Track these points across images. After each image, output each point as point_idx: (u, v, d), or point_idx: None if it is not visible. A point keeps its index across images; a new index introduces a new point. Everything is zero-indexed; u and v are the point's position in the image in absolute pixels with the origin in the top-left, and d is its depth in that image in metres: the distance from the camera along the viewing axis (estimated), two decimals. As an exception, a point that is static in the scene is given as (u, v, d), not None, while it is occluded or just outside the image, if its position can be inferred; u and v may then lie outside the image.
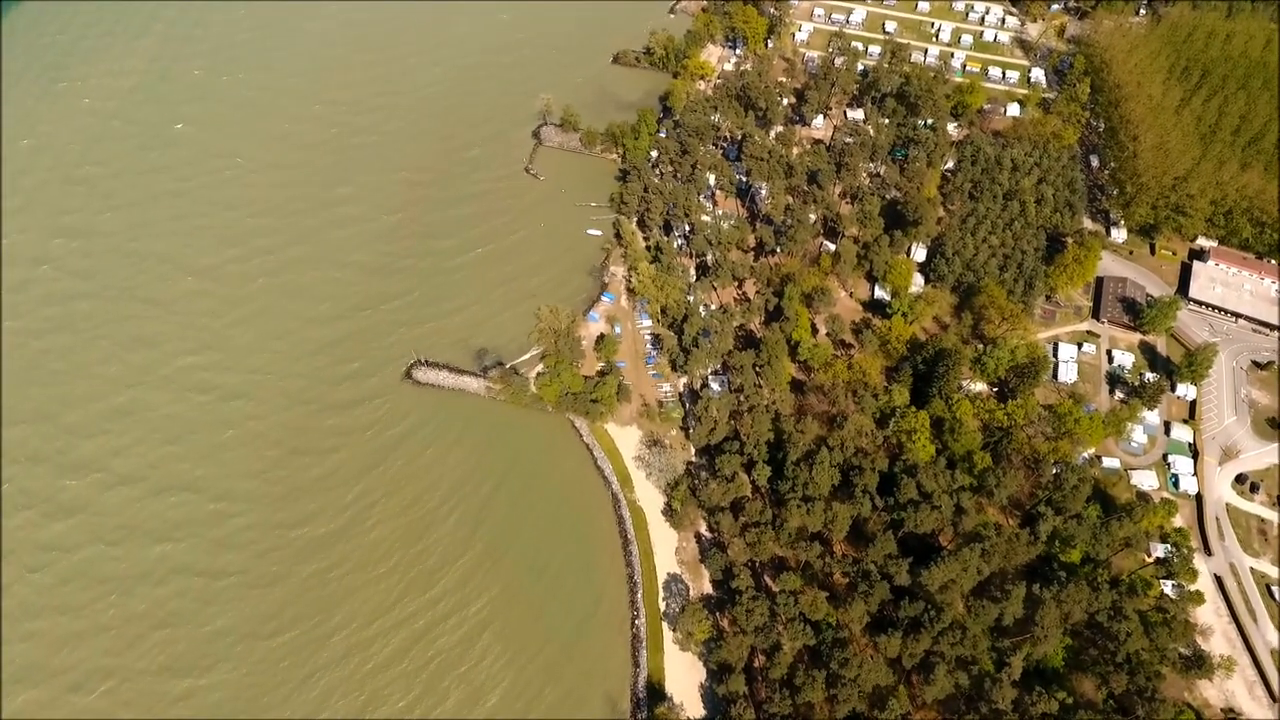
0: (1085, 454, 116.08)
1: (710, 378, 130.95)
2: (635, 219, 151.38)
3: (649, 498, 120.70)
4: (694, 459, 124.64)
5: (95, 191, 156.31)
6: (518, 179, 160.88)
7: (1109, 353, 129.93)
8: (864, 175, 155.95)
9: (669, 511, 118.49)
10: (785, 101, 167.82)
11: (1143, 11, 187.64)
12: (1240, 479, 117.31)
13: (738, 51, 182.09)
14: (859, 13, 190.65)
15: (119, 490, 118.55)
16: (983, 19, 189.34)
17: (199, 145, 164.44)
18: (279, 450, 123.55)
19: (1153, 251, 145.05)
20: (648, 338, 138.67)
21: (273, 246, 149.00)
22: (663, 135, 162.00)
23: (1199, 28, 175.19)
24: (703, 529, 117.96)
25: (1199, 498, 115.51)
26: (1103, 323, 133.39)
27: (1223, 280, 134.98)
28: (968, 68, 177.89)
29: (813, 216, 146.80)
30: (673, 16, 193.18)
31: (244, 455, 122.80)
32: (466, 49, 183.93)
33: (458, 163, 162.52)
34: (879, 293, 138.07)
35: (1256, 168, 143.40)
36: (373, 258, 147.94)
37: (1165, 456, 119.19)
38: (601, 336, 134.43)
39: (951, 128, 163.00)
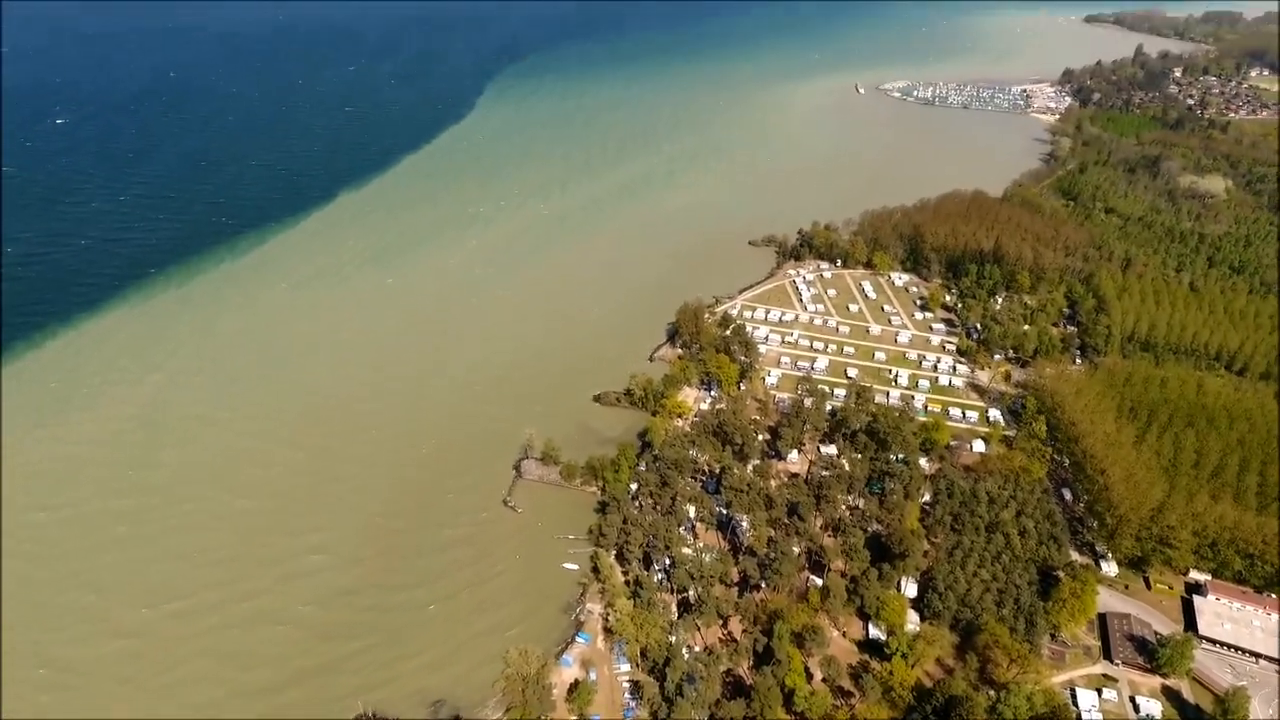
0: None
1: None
2: (614, 552, 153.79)
3: None
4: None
5: (38, 537, 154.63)
6: (495, 511, 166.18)
7: (1133, 699, 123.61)
8: (844, 508, 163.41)
9: None
10: (760, 437, 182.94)
11: (1079, 360, 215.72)
12: None
13: (713, 393, 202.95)
14: (822, 361, 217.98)
15: None
16: (935, 366, 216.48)
17: (167, 491, 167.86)
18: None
19: (1148, 585, 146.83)
20: (626, 685, 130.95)
21: (220, 601, 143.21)
22: (642, 469, 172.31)
23: (1134, 374, 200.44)
24: None
25: None
26: (1116, 664, 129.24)
27: (1229, 616, 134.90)
28: (929, 408, 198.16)
29: (796, 549, 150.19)
30: (651, 363, 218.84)
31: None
32: (454, 389, 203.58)
33: (435, 496, 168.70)
34: (874, 631, 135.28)
35: (1226, 499, 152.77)
36: (330, 612, 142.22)
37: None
38: (575, 683, 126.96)
39: (923, 462, 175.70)
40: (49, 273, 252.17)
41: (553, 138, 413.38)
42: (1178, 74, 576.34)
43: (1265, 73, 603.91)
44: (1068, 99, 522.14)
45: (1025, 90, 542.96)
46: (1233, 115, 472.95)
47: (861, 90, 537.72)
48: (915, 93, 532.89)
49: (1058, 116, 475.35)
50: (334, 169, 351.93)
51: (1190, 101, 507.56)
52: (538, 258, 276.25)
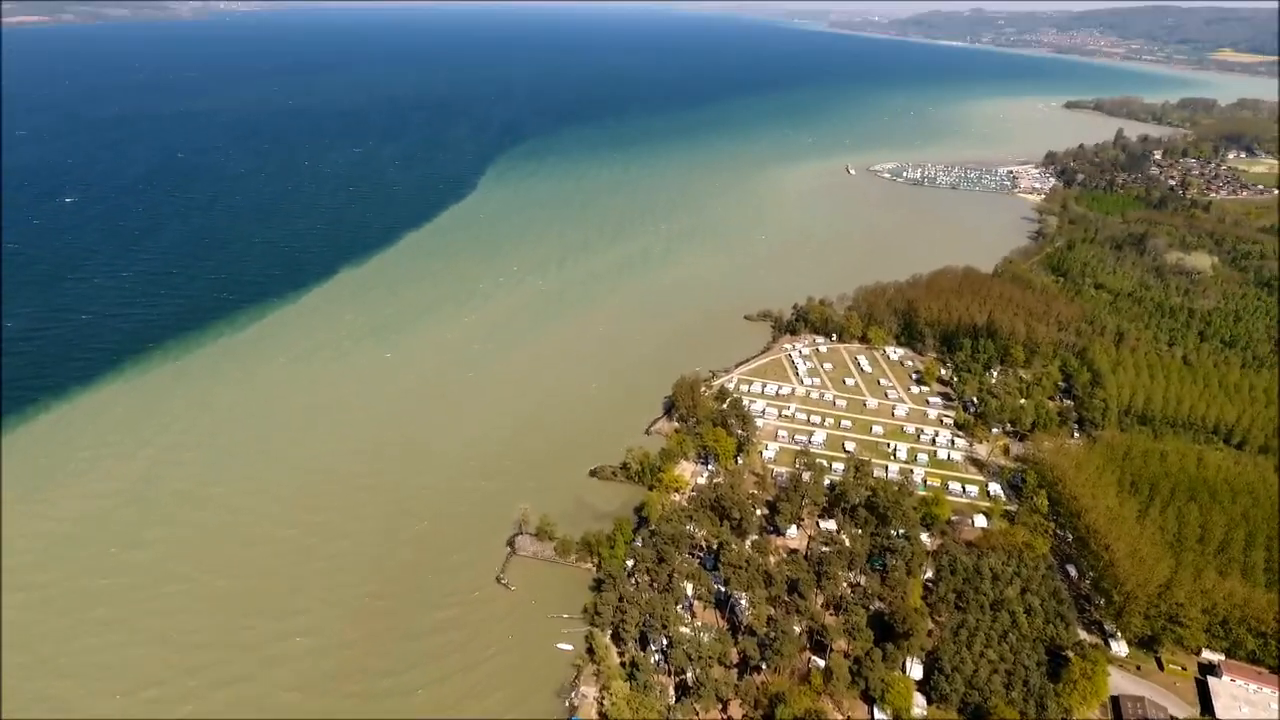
0: None
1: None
2: (610, 631, 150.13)
3: None
4: None
5: (12, 620, 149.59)
6: (488, 590, 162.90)
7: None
8: (845, 585, 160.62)
9: None
10: (759, 512, 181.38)
11: (1077, 434, 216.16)
12: None
13: (710, 467, 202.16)
14: (820, 435, 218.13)
15: None
16: (933, 440, 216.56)
17: (150, 571, 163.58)
18: None
19: (1160, 667, 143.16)
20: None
21: (199, 687, 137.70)
22: (639, 544, 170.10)
23: (1133, 447, 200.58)
24: None
25: None
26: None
27: (1245, 698, 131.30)
28: (929, 482, 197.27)
29: (797, 628, 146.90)
30: (648, 436, 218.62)
31: None
32: (449, 464, 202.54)
33: (428, 575, 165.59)
34: (879, 715, 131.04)
35: (1234, 575, 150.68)
36: (314, 698, 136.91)
37: None
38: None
39: (925, 538, 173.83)
40: (47, 347, 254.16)
41: (552, 217, 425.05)
42: (1158, 156, 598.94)
43: (1242, 155, 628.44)
44: (1052, 180, 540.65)
45: (1011, 171, 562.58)
46: (1213, 195, 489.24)
47: (852, 171, 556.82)
48: (905, 174, 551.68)
49: (1043, 196, 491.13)
50: (336, 246, 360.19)
51: (1172, 182, 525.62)
52: (535, 333, 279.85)
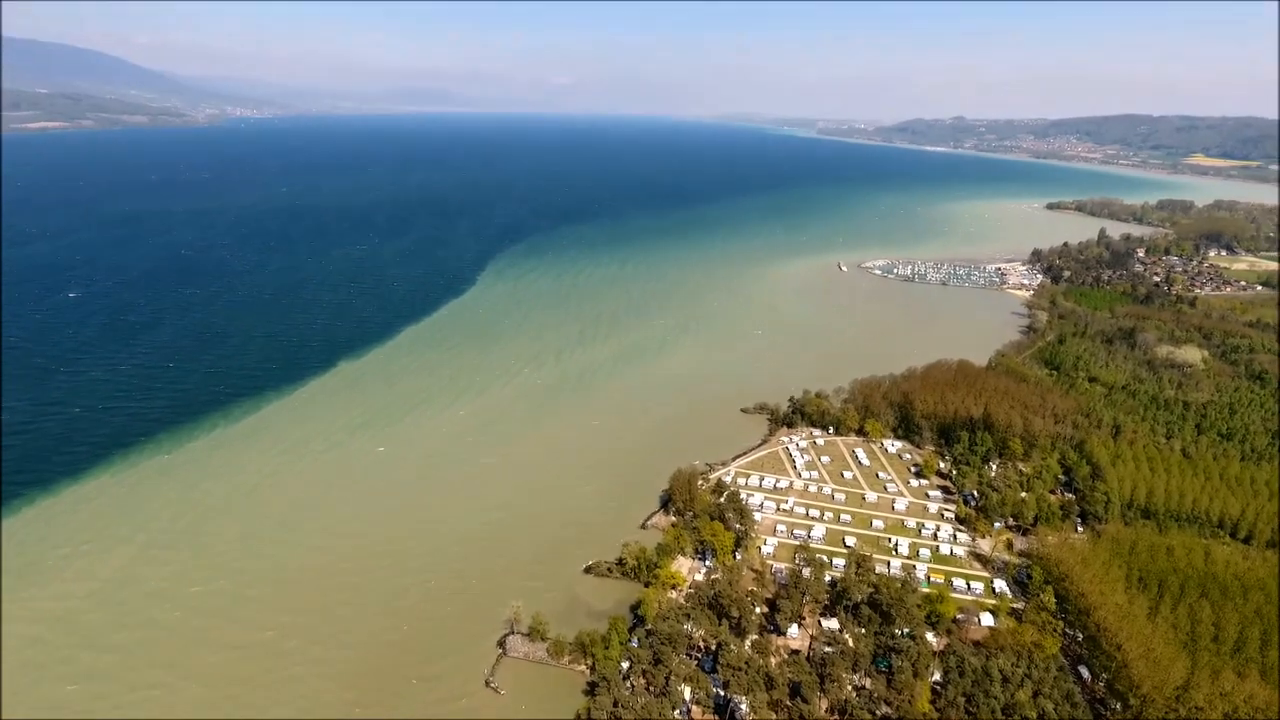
0: None
1: None
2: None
3: None
4: None
5: None
6: (477, 697, 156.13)
7: None
8: (849, 688, 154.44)
9: None
10: (758, 610, 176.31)
11: (1080, 528, 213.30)
12: None
13: (707, 563, 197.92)
14: (819, 529, 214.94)
15: None
16: (935, 534, 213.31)
17: (116, 678, 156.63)
18: None
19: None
20: None
21: None
22: (635, 644, 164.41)
23: (1139, 542, 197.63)
24: None
25: None
26: None
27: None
28: (932, 578, 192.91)
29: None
30: (644, 530, 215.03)
31: None
32: (438, 561, 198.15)
33: (412, 680, 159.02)
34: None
35: (1252, 676, 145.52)
36: None
37: None
38: None
39: (930, 637, 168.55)
40: (34, 441, 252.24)
41: (549, 311, 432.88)
42: (1141, 254, 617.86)
43: (1222, 252, 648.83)
44: (1040, 276, 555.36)
45: (999, 268, 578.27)
46: (1198, 291, 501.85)
47: (845, 268, 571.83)
48: (895, 270, 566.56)
49: (1032, 292, 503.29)
50: (334, 340, 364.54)
51: (1156, 278, 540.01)
52: (530, 425, 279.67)
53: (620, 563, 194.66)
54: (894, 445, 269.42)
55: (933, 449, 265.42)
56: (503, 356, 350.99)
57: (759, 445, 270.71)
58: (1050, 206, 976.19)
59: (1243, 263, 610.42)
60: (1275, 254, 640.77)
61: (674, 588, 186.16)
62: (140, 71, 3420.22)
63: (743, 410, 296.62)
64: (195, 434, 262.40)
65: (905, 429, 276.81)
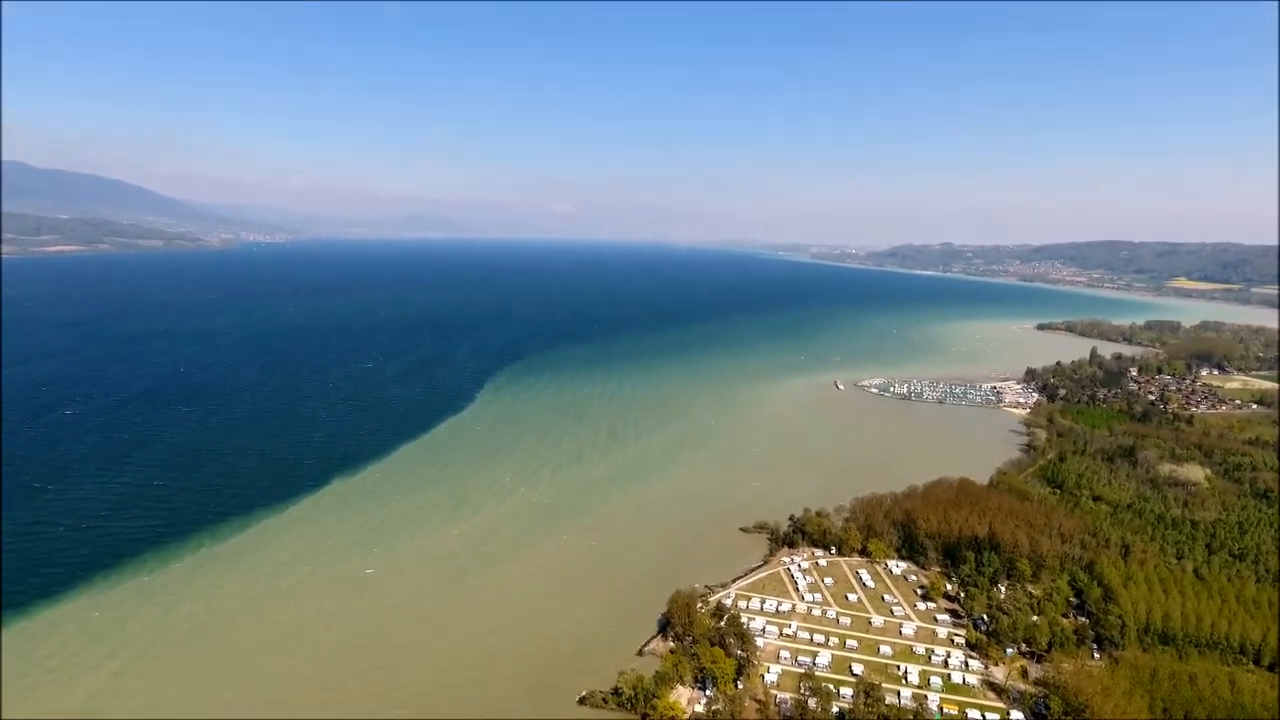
0: None
1: None
2: None
3: None
4: None
5: None
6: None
7: None
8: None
9: None
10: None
11: (1096, 654, 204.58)
12: None
13: (708, 692, 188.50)
14: (824, 655, 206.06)
15: None
16: (945, 661, 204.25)
17: None
18: None
19: None
20: None
21: None
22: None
23: (1159, 669, 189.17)
24: None
25: None
26: None
27: None
28: (945, 709, 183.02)
29: None
30: (641, 658, 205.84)
31: None
32: (422, 690, 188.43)
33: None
34: None
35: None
36: None
37: None
38: None
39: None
40: (13, 562, 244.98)
41: (545, 428, 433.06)
42: (1134, 373, 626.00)
43: (1215, 372, 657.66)
44: (1035, 394, 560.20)
45: (995, 387, 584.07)
46: (1194, 409, 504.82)
47: (841, 387, 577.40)
48: (892, 388, 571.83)
49: (1029, 410, 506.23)
50: (330, 457, 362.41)
51: (1151, 397, 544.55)
52: (523, 545, 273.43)
53: (616, 692, 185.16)
54: (898, 566, 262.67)
55: (938, 570, 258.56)
56: (499, 474, 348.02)
57: (760, 566, 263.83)
58: (1040, 327, 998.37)
59: (1235, 381, 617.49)
60: (1267, 373, 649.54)
61: (673, 719, 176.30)
62: (160, 199, 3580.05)
63: (742, 529, 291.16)
64: (180, 553, 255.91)
65: (909, 549, 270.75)
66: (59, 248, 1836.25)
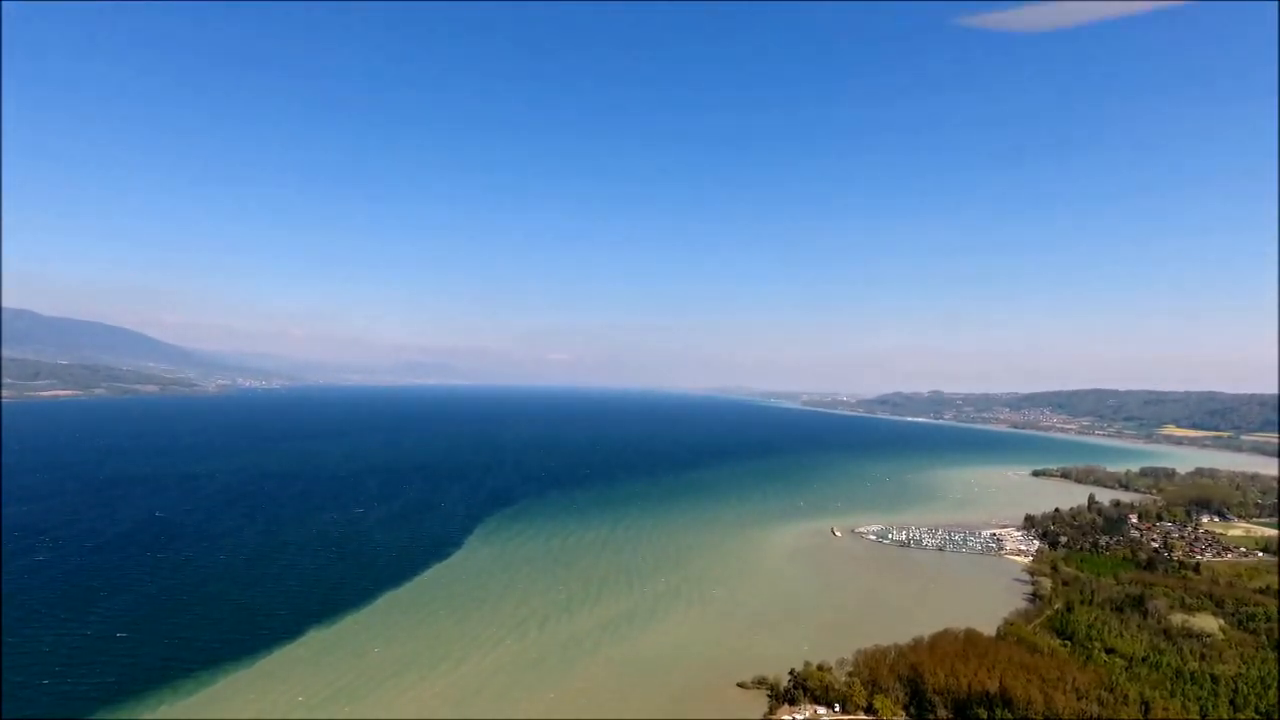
0: None
1: None
2: None
3: None
4: None
5: None
6: None
7: None
8: None
9: None
10: None
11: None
12: None
13: None
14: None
15: None
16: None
17: None
18: None
19: None
20: None
21: None
22: None
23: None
24: None
25: None
26: None
27: None
28: None
29: None
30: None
31: None
32: None
33: None
34: None
35: None
36: None
37: None
38: None
39: None
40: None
41: (535, 576, 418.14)
42: (1134, 520, 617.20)
43: (1215, 519, 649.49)
44: (1036, 542, 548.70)
45: (994, 534, 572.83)
46: (1199, 557, 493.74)
47: (838, 534, 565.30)
48: (890, 535, 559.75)
49: (1031, 558, 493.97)
50: (306, 607, 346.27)
51: (1155, 544, 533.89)
52: (506, 704, 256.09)
53: None
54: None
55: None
56: (484, 624, 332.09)
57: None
58: (1036, 473, 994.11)
59: (1238, 529, 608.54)
60: (1268, 520, 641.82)
61: None
62: (161, 346, 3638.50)
63: (739, 684, 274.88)
64: (138, 711, 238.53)
65: (917, 706, 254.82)
66: (54, 392, 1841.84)
